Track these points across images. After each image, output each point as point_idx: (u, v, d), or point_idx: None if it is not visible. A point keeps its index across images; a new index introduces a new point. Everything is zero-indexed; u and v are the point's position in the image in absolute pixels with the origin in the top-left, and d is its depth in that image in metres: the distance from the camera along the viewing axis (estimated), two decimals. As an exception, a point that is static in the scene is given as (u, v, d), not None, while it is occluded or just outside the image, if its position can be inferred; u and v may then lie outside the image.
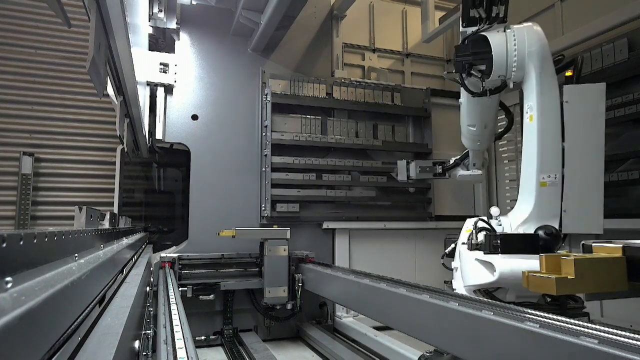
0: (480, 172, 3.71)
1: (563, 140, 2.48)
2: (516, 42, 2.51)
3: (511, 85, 2.62)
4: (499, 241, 2.31)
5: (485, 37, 2.58)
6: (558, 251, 2.39)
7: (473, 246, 2.54)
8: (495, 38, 2.56)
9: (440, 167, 4.05)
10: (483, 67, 2.60)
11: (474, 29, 2.65)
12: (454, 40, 6.01)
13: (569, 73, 2.61)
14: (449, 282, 2.93)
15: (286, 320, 4.48)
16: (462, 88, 2.90)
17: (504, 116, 3.34)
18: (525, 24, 2.58)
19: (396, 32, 5.98)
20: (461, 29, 2.74)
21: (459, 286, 2.69)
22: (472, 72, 2.65)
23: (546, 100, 2.50)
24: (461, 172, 3.78)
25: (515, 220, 2.56)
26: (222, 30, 4.80)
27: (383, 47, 5.84)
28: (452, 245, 2.95)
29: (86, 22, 1.67)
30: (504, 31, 2.58)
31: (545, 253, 2.18)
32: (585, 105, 2.51)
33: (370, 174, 5.06)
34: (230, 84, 4.78)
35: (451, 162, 3.84)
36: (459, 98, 3.13)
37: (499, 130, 3.43)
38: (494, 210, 2.72)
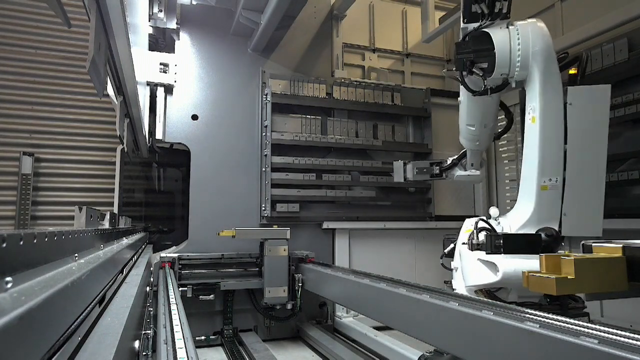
0: (478, 172, 3.62)
1: (565, 143, 2.44)
2: (520, 40, 2.43)
3: (513, 85, 2.55)
4: (501, 241, 2.30)
5: (488, 34, 2.49)
6: (558, 251, 2.39)
7: (474, 246, 2.52)
8: (498, 35, 2.47)
9: (438, 167, 3.89)
10: (485, 65, 2.51)
11: (476, 25, 2.55)
12: (454, 40, 6.00)
13: (572, 71, 2.55)
14: (449, 282, 2.92)
15: (286, 320, 4.47)
16: (462, 87, 2.82)
17: (503, 116, 3.32)
18: (529, 20, 2.50)
19: (396, 32, 5.97)
20: (462, 25, 2.63)
21: (460, 286, 2.68)
22: (474, 70, 2.55)
23: (549, 101, 2.44)
24: (459, 172, 3.68)
25: (515, 222, 2.55)
26: (222, 30, 4.80)
27: (383, 47, 5.84)
28: (452, 246, 2.93)
29: (86, 22, 1.67)
30: (507, 27, 2.49)
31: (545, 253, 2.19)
32: (590, 108, 2.45)
33: (370, 174, 5.06)
34: (230, 84, 4.78)
35: (448, 162, 3.73)
36: (459, 97, 3.05)
37: (499, 130, 3.35)
38: (493, 211, 2.70)
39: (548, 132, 2.44)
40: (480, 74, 2.54)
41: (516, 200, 2.66)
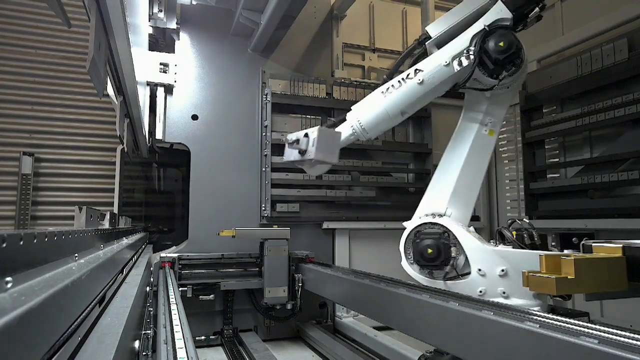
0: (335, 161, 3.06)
1: None
2: (527, 57, 2.55)
3: (487, 95, 2.65)
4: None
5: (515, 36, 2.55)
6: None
7: (548, 248, 2.35)
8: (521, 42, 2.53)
9: None
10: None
11: (510, 23, 2.52)
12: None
13: None
14: (482, 292, 2.40)
15: (286, 320, 4.47)
16: (430, 69, 2.59)
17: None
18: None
19: (396, 32, 5.97)
20: (500, 14, 2.52)
21: (517, 291, 2.25)
22: (509, 64, 2.53)
23: (502, 119, 2.69)
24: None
25: (463, 223, 2.68)
26: (222, 30, 4.79)
27: (383, 47, 5.84)
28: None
29: (86, 22, 1.66)
30: None
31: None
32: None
33: (370, 174, 5.06)
34: (230, 84, 4.77)
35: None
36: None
37: None
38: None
39: (494, 147, 2.75)
40: (507, 71, 2.54)
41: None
